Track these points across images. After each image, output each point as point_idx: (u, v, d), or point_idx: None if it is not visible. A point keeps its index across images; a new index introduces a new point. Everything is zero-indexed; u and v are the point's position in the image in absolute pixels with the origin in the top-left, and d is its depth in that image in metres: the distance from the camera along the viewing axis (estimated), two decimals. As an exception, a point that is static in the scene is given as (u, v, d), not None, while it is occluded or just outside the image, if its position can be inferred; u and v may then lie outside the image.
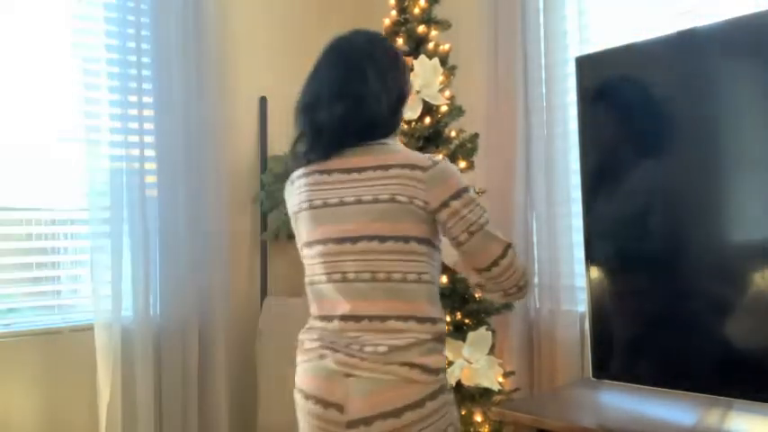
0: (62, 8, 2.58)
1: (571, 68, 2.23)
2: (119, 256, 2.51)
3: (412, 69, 2.30)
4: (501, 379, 2.30)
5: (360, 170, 1.49)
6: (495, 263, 1.49)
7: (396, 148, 1.53)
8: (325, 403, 1.43)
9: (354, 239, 1.46)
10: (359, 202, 1.47)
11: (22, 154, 2.51)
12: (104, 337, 2.47)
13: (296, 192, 1.58)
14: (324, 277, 1.51)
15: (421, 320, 1.45)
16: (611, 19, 2.45)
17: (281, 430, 2.71)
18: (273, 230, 2.89)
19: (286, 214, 2.82)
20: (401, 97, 1.60)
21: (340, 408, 1.41)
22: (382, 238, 1.44)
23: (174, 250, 2.64)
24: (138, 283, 2.55)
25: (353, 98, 1.50)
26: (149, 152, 2.62)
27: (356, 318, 1.45)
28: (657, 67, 1.91)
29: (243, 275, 2.98)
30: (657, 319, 1.90)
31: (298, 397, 1.53)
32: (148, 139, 2.62)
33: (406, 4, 2.46)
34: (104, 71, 2.55)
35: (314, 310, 1.56)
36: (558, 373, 2.42)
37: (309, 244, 1.54)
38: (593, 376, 2.05)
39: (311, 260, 1.54)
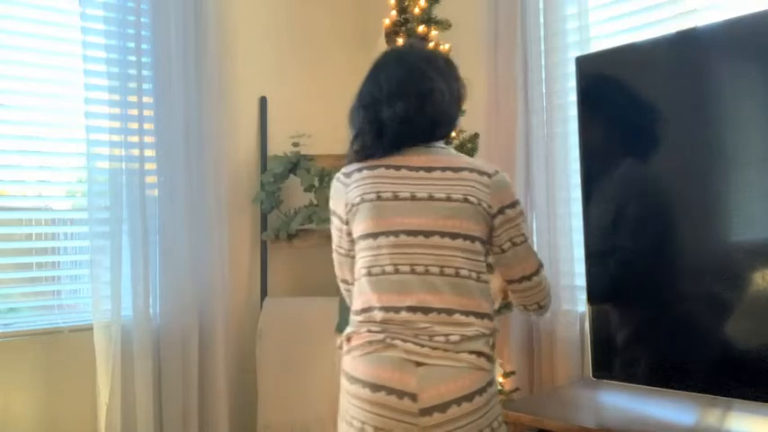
0: (62, 8, 2.59)
1: (571, 68, 2.22)
2: (118, 256, 2.51)
3: None
4: (501, 379, 2.30)
5: (428, 169, 1.54)
6: (527, 277, 1.62)
7: (456, 152, 1.63)
8: (399, 393, 1.43)
9: (428, 233, 1.50)
10: (431, 198, 1.52)
11: (22, 154, 2.51)
12: (104, 338, 2.47)
13: (354, 185, 1.58)
14: (390, 268, 1.51)
15: (480, 316, 1.51)
16: (611, 19, 2.45)
17: (281, 430, 2.72)
18: (273, 230, 2.89)
19: (286, 214, 2.87)
20: (460, 99, 1.67)
21: (413, 397, 1.43)
22: (453, 235, 1.51)
23: (174, 250, 2.64)
24: (138, 284, 2.55)
25: (417, 95, 1.55)
26: (149, 152, 2.62)
27: (425, 309, 1.48)
28: (657, 67, 1.91)
29: (243, 275, 2.98)
30: (657, 319, 1.90)
31: (358, 389, 1.47)
32: (148, 139, 2.62)
33: (406, 4, 2.46)
34: (104, 71, 2.54)
35: (371, 300, 1.53)
36: (558, 373, 2.42)
37: (374, 235, 1.53)
38: (594, 376, 2.05)
39: (374, 251, 1.53)
